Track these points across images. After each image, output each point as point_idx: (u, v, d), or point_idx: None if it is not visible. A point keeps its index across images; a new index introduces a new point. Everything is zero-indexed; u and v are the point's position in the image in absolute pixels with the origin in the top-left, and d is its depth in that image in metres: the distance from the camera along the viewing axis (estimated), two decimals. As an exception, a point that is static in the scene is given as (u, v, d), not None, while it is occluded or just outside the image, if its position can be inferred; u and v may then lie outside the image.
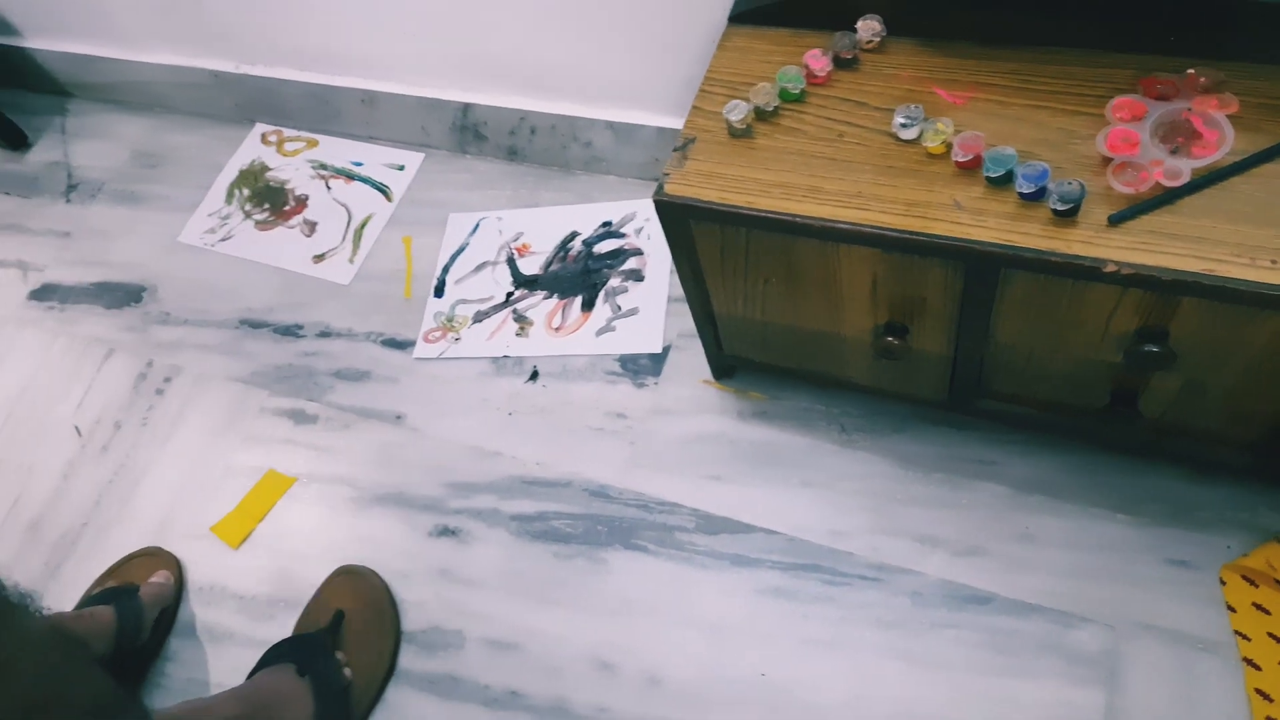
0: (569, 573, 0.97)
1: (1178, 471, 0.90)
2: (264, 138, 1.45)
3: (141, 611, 0.96)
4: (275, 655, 0.91)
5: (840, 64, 0.79)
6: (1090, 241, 0.64)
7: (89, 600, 1.00)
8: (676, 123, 1.12)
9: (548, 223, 1.24)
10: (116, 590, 0.99)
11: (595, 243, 1.20)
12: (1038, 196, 0.66)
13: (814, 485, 0.97)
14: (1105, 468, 0.92)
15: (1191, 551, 0.87)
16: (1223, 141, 0.64)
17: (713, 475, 1.00)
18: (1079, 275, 0.65)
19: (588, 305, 1.15)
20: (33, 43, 1.52)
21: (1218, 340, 0.67)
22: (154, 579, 1.01)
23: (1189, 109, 0.66)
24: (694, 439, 1.03)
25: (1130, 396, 0.78)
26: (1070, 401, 0.82)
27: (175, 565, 1.05)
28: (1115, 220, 0.64)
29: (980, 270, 0.69)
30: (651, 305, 1.13)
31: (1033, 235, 0.66)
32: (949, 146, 0.70)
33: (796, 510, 0.96)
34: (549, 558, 0.99)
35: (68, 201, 1.45)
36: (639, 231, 1.20)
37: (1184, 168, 0.64)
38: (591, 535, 0.99)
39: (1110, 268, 0.63)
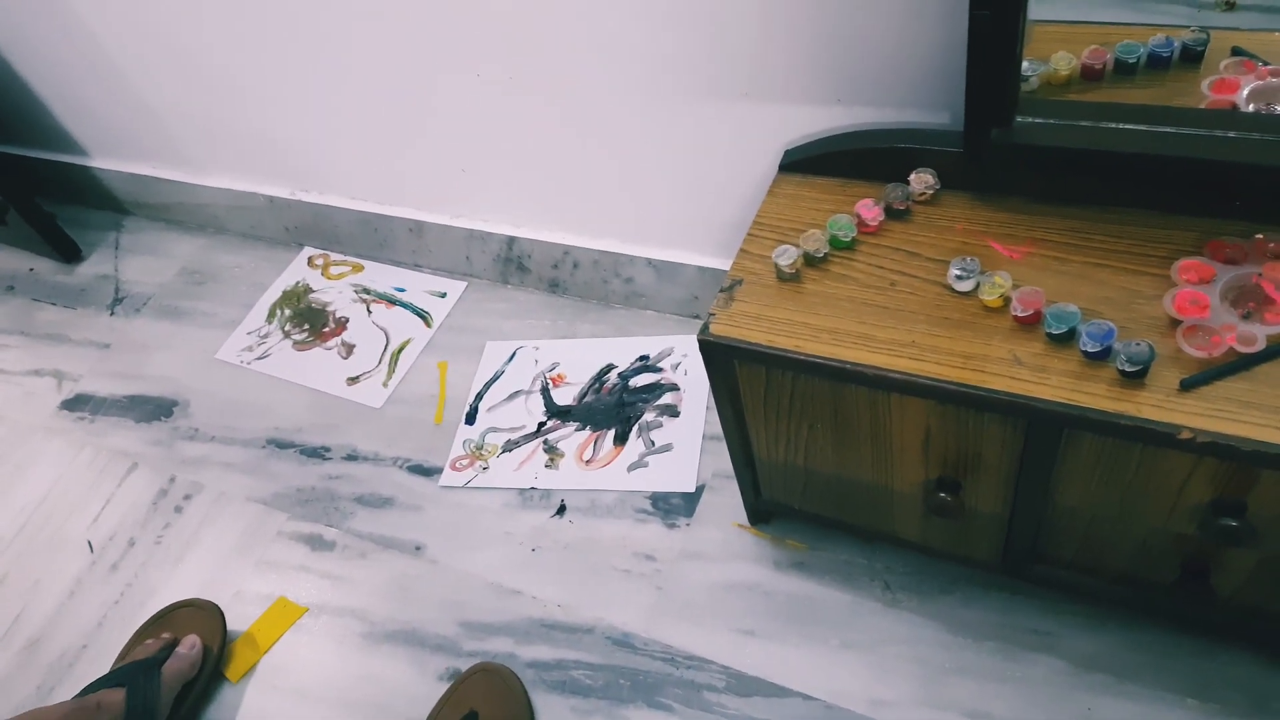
0: (587, 730, 0.91)
1: (1254, 657, 0.83)
2: (310, 260, 1.47)
3: (157, 695, 0.92)
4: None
5: (892, 214, 0.78)
6: (1162, 406, 0.61)
7: (113, 674, 0.95)
8: (718, 263, 1.12)
9: (584, 354, 1.23)
10: (137, 667, 0.94)
11: (631, 376, 1.19)
12: (1103, 356, 0.64)
13: (855, 647, 0.91)
14: (1175, 648, 0.85)
15: (1271, 746, 0.79)
16: (1298, 308, 0.62)
17: (745, 630, 0.94)
18: (1150, 441, 0.61)
19: (620, 439, 1.13)
20: (98, 163, 1.58)
21: (1302, 517, 0.62)
22: (181, 648, 0.97)
23: (1259, 274, 0.64)
24: (726, 587, 0.97)
25: (1202, 572, 0.72)
26: (1136, 573, 0.76)
27: (215, 624, 1.01)
28: (1188, 385, 0.61)
29: (1042, 429, 0.66)
30: (686, 442, 1.10)
31: (1099, 396, 0.63)
32: (1007, 300, 0.69)
33: (836, 674, 0.89)
34: (566, 712, 0.92)
35: (111, 314, 1.48)
36: (676, 367, 1.18)
37: (1259, 333, 0.61)
38: (613, 689, 0.93)
39: (1185, 434, 0.59)
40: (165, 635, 1.00)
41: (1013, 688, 0.85)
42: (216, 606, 1.03)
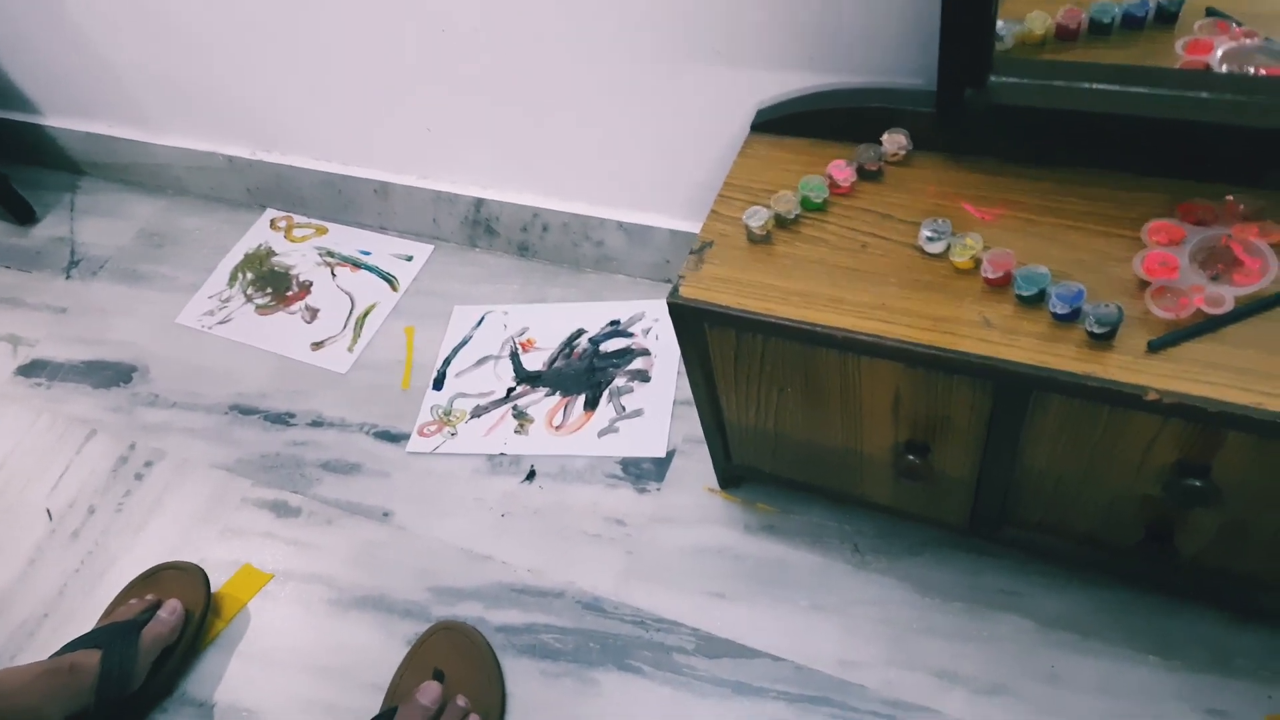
0: (556, 693, 0.90)
1: (1216, 615, 0.84)
2: (273, 223, 1.44)
3: (134, 658, 0.91)
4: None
5: (864, 175, 0.77)
6: (1129, 367, 0.61)
7: (91, 635, 0.94)
8: (690, 226, 1.11)
9: (554, 319, 1.21)
10: (116, 629, 0.93)
11: (602, 341, 1.17)
12: (1072, 318, 0.64)
13: (824, 609, 0.91)
14: (1138, 607, 0.86)
15: (1230, 701, 0.80)
16: (1266, 270, 0.62)
17: (715, 592, 0.94)
18: (1117, 402, 0.61)
19: (591, 404, 1.12)
20: (51, 121, 1.53)
21: (1265, 478, 0.63)
22: (162, 612, 0.96)
23: (1229, 235, 0.64)
24: (696, 551, 0.97)
25: (1166, 533, 0.73)
26: (1101, 534, 0.77)
27: (199, 588, 1.00)
28: (1155, 346, 0.61)
29: (1010, 391, 0.65)
30: (657, 407, 1.09)
31: (1067, 358, 0.62)
32: (978, 262, 0.68)
33: (805, 635, 0.90)
34: (536, 675, 0.92)
35: (68, 278, 1.43)
36: (647, 332, 1.17)
37: (1227, 295, 0.61)
38: (583, 652, 0.93)
39: (1152, 396, 0.59)
40: (149, 597, 0.98)
41: (979, 646, 0.86)
42: (201, 570, 1.02)
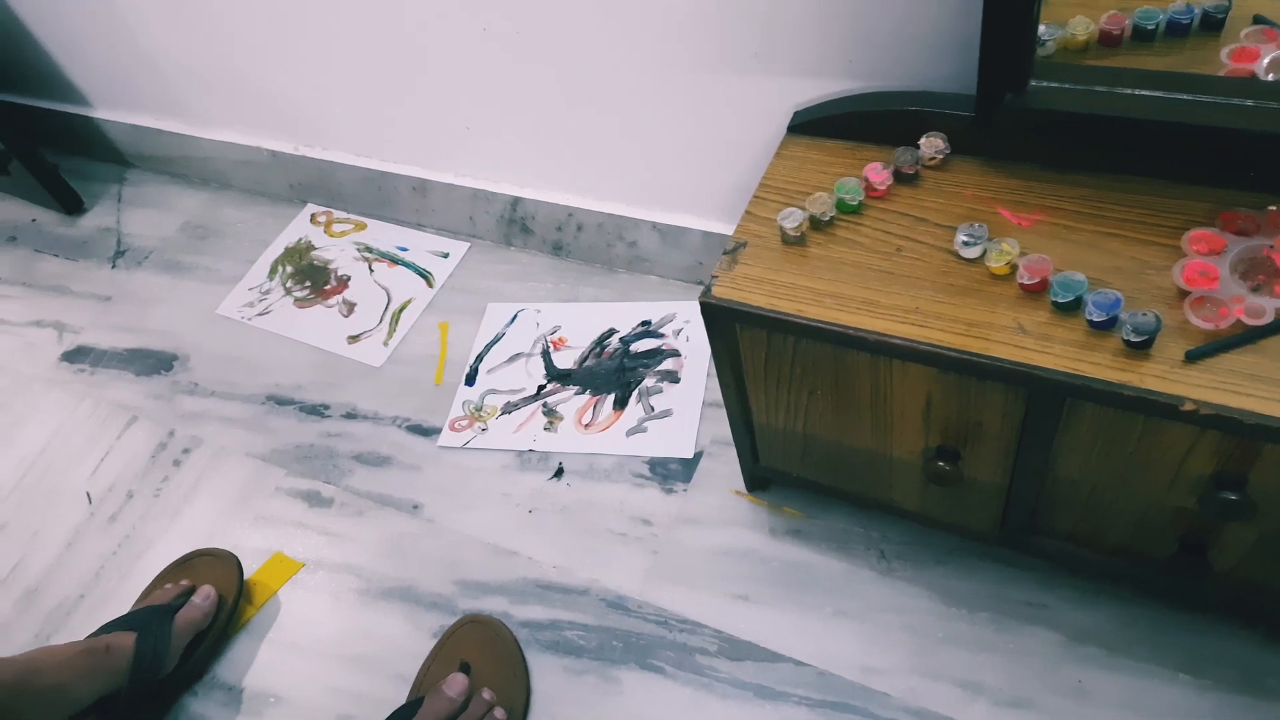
0: (579, 690, 0.91)
1: (1249, 633, 0.83)
2: (313, 218, 1.46)
3: (167, 642, 0.93)
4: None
5: (901, 179, 0.77)
6: (1165, 377, 0.60)
7: (127, 617, 0.97)
8: (724, 228, 1.11)
9: (586, 318, 1.22)
10: (151, 612, 0.95)
11: (633, 341, 1.18)
12: (1108, 326, 0.63)
13: (849, 615, 0.91)
14: (1168, 623, 0.84)
15: (1262, 723, 0.79)
16: (1309, 281, 0.61)
17: (740, 594, 0.94)
18: (1153, 412, 0.61)
19: (620, 404, 1.12)
20: (101, 113, 1.57)
21: (1303, 493, 0.62)
22: (196, 598, 0.98)
23: (1271, 246, 0.63)
24: (722, 553, 0.97)
25: (1199, 547, 0.72)
26: (1133, 547, 0.76)
27: (232, 575, 1.02)
28: (1193, 356, 0.60)
29: (1044, 398, 0.65)
30: (686, 408, 1.10)
31: (1103, 366, 0.62)
32: (1014, 268, 0.68)
33: (829, 641, 0.89)
34: (559, 672, 0.92)
35: (113, 267, 1.47)
36: (678, 333, 1.17)
37: (1267, 306, 0.60)
38: (606, 650, 0.93)
39: (1188, 406, 0.59)
40: (184, 582, 1.00)
41: (1004, 658, 0.86)
42: (235, 558, 1.04)
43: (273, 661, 0.99)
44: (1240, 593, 0.75)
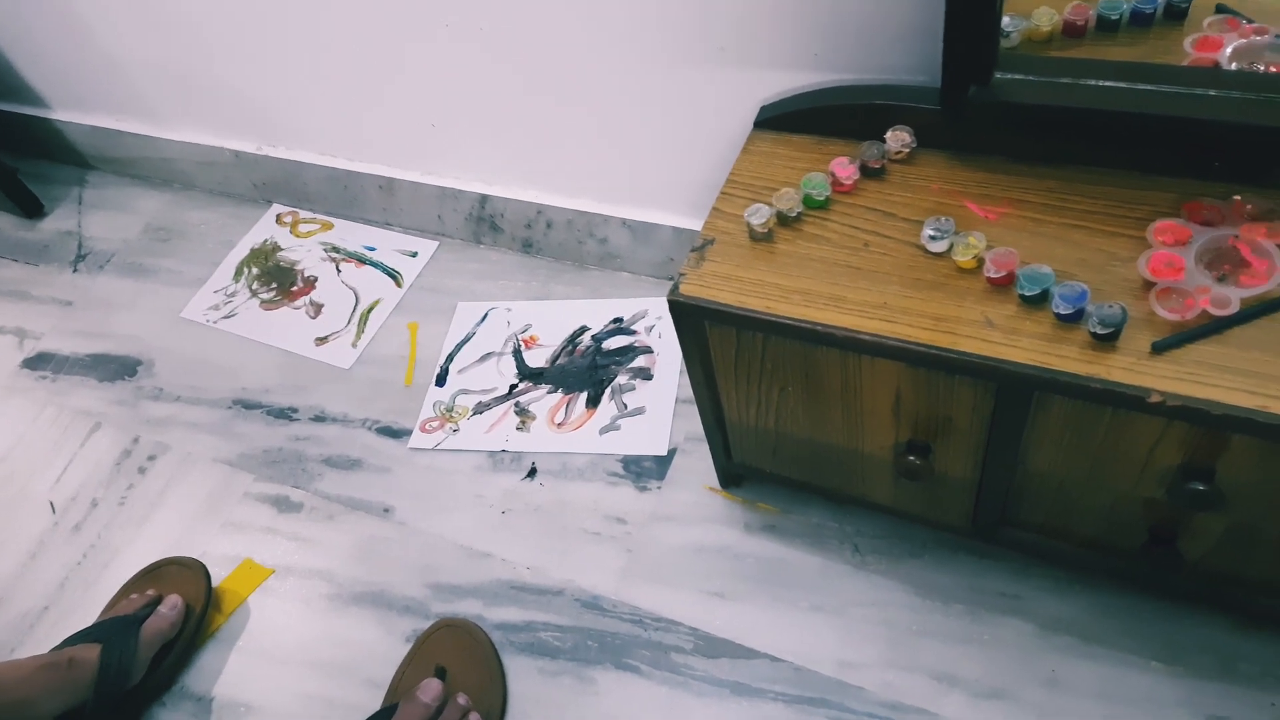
0: (554, 692, 0.90)
1: (1221, 620, 0.83)
2: (279, 218, 1.44)
3: (134, 653, 0.91)
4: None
5: (867, 173, 0.76)
6: (1132, 369, 0.60)
7: (92, 629, 0.95)
8: (694, 224, 1.10)
9: (557, 316, 1.21)
10: (116, 624, 0.94)
11: (605, 339, 1.17)
12: (1075, 319, 0.63)
13: (824, 610, 0.91)
14: (1141, 612, 0.85)
15: (1234, 707, 0.80)
16: (1273, 271, 0.61)
17: (715, 591, 0.94)
18: (1120, 404, 0.61)
19: (593, 402, 1.11)
20: (59, 115, 1.53)
21: (1270, 482, 0.62)
22: (163, 607, 0.96)
23: (1236, 236, 0.63)
24: (696, 550, 0.97)
25: (1170, 537, 0.72)
26: (1104, 538, 0.76)
27: (199, 584, 1.00)
28: (1159, 348, 0.60)
29: (1012, 392, 0.65)
30: (659, 406, 1.09)
31: (1070, 359, 0.62)
32: (981, 262, 0.67)
33: (804, 636, 0.89)
34: (534, 674, 0.92)
35: (74, 271, 1.44)
36: (650, 330, 1.16)
37: (1233, 296, 0.60)
38: (581, 651, 0.92)
39: (1155, 398, 0.59)
40: (150, 592, 0.98)
41: (979, 650, 0.86)
42: (203, 566, 1.02)
43: (243, 670, 0.97)
44: (1211, 581, 0.76)
